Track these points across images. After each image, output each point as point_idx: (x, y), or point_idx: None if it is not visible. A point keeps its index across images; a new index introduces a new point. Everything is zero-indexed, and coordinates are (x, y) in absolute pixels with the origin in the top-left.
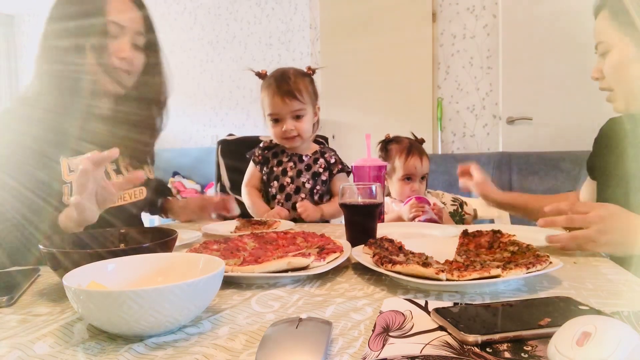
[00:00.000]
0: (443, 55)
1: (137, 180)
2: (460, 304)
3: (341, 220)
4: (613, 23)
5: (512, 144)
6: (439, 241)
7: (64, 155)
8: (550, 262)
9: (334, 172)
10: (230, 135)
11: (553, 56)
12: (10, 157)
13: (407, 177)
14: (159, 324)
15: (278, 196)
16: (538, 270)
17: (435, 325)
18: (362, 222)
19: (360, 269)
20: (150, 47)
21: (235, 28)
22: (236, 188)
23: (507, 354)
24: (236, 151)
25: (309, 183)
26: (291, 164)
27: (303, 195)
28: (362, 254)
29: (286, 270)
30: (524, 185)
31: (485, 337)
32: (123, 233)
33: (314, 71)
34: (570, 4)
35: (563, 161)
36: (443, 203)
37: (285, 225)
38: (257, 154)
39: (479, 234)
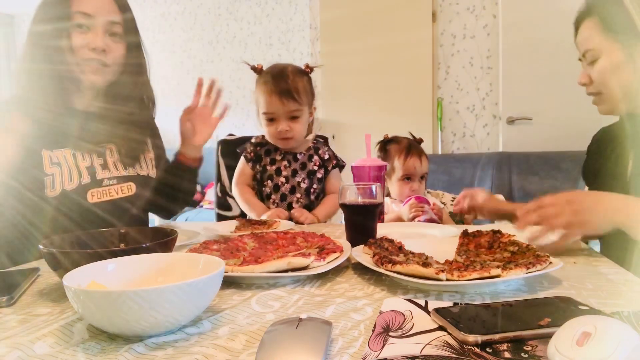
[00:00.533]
0: (443, 55)
1: None
2: (460, 304)
3: (341, 220)
4: (601, 30)
5: (512, 144)
6: (439, 241)
7: (45, 149)
8: (550, 262)
9: (329, 168)
10: (230, 135)
11: (553, 56)
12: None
13: (407, 177)
14: (159, 324)
15: (273, 196)
16: (538, 270)
17: (435, 325)
18: (362, 222)
19: (360, 269)
20: (132, 43)
21: (235, 28)
22: None
23: (507, 354)
24: (236, 151)
25: (304, 183)
26: (285, 162)
27: (299, 195)
28: (362, 254)
29: (286, 270)
30: (524, 185)
31: (485, 337)
32: (123, 233)
33: (312, 69)
34: (570, 4)
35: (563, 161)
36: (443, 203)
37: (285, 225)
38: (248, 150)
39: (479, 234)
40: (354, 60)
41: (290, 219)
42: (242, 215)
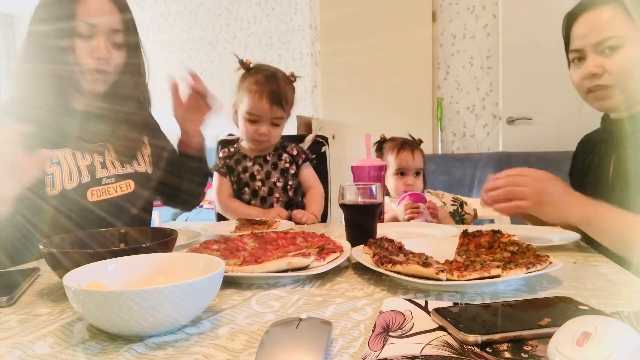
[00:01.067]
0: (443, 55)
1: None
2: (460, 304)
3: (341, 220)
4: (625, 17)
5: (512, 144)
6: (439, 241)
7: (45, 148)
8: (550, 262)
9: (299, 163)
10: (230, 135)
11: (553, 56)
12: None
13: (401, 172)
14: (159, 324)
15: (253, 201)
16: (538, 270)
17: (435, 325)
18: (362, 222)
19: (360, 269)
20: (131, 45)
21: (235, 28)
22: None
23: (507, 354)
24: None
25: (279, 182)
26: (257, 167)
27: (277, 195)
28: (362, 254)
29: (286, 270)
30: None
31: (485, 337)
32: (123, 233)
33: (295, 79)
34: (570, 4)
35: (563, 161)
36: (443, 203)
37: (285, 225)
38: (220, 165)
39: (479, 234)
40: (354, 60)
41: (290, 218)
42: None
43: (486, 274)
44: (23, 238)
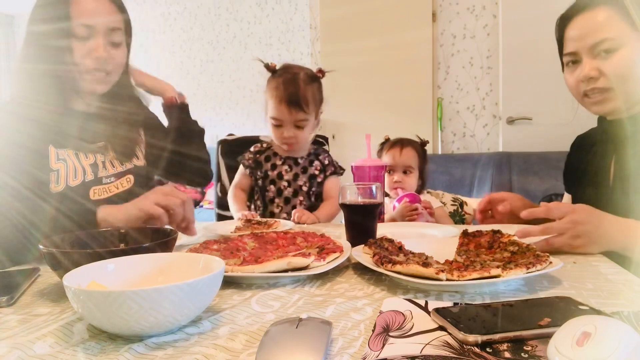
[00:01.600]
0: (443, 55)
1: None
2: (460, 304)
3: (341, 220)
4: (622, 19)
5: (512, 144)
6: (439, 241)
7: (52, 145)
8: (550, 262)
9: (327, 174)
10: (230, 135)
11: (553, 56)
12: (4, 154)
13: (390, 170)
14: (159, 324)
15: (277, 200)
16: (538, 270)
17: (435, 325)
18: (362, 222)
19: (360, 269)
20: (129, 40)
21: (235, 28)
22: None
23: (507, 354)
24: (236, 151)
25: (305, 186)
26: (286, 167)
27: (302, 198)
28: (362, 254)
29: (286, 270)
30: (524, 185)
31: (485, 337)
32: (123, 233)
33: (324, 74)
34: (570, 4)
35: (563, 161)
36: (443, 203)
37: (285, 225)
38: (247, 158)
39: (479, 234)
40: (354, 60)
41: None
42: None
43: (486, 274)
44: (23, 238)
